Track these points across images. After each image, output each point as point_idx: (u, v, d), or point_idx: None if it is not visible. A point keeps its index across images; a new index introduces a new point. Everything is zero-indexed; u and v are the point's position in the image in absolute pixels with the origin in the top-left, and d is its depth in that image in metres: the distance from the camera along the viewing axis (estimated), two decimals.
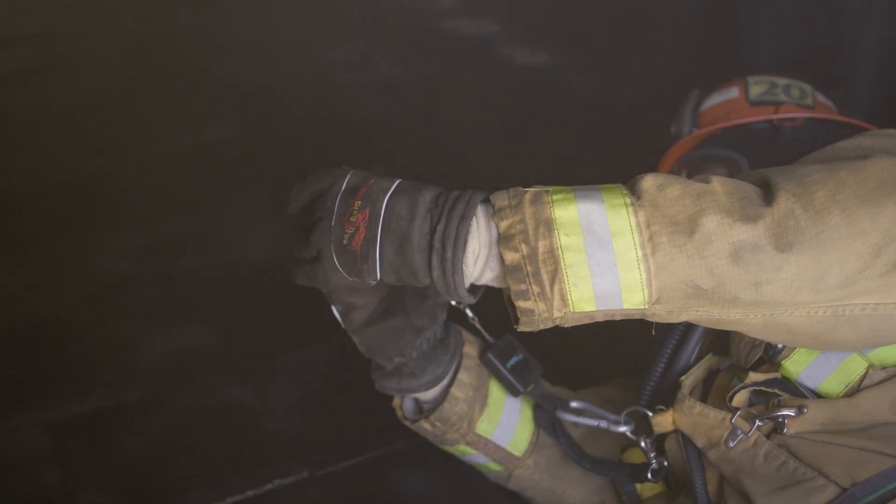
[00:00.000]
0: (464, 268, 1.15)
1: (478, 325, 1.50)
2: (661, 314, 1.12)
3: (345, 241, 1.17)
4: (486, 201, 1.16)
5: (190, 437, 1.96)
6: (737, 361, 1.40)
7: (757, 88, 1.85)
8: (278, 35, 3.87)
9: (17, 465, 1.89)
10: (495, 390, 1.58)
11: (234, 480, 1.85)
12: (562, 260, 1.09)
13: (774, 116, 1.77)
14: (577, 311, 1.12)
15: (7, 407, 2.03)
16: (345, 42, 3.77)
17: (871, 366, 1.26)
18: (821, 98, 1.87)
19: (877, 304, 1.10)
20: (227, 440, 1.95)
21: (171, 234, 2.62)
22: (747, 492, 1.33)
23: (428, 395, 1.54)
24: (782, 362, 1.31)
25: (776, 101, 1.81)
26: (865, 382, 1.26)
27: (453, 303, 1.41)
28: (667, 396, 1.47)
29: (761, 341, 1.33)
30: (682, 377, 1.44)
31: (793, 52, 2.47)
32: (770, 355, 1.32)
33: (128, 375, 2.12)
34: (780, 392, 1.31)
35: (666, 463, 1.50)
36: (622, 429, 1.52)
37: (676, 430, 1.46)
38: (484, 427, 1.57)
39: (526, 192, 1.13)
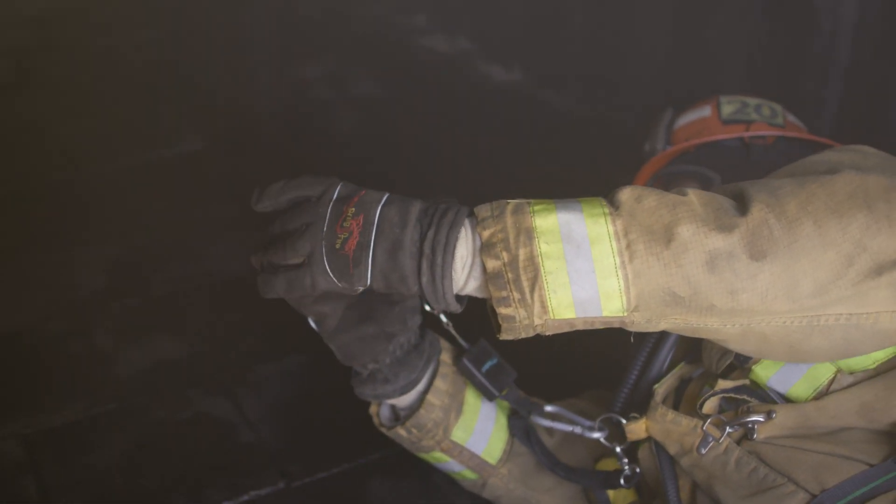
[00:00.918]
0: (452, 273, 1.17)
1: (452, 331, 1.52)
2: (640, 322, 1.14)
3: (338, 246, 1.18)
4: (473, 214, 1.19)
5: (166, 449, 1.96)
6: (708, 368, 1.42)
7: (729, 108, 1.89)
8: (252, 49, 3.88)
9: None
10: (471, 398, 1.60)
11: (210, 492, 1.85)
12: (542, 267, 1.11)
13: (746, 134, 1.81)
14: (557, 317, 1.14)
15: None
16: (319, 57, 3.79)
17: (839, 370, 1.28)
18: (791, 118, 1.92)
19: (850, 314, 1.12)
20: (202, 451, 1.95)
21: (144, 246, 2.63)
22: (719, 498, 1.35)
23: (404, 401, 1.56)
24: (753, 368, 1.33)
25: (747, 119, 1.86)
26: (833, 387, 1.28)
27: (435, 313, 1.42)
28: (640, 405, 1.49)
29: None
30: (656, 385, 1.47)
31: (763, 69, 2.51)
32: (740, 361, 1.35)
33: (103, 387, 2.12)
34: (748, 398, 1.34)
35: (638, 470, 1.52)
36: (596, 435, 1.52)
37: (650, 439, 1.48)
38: (459, 434, 1.59)
39: (508, 203, 1.16)
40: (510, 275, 1.12)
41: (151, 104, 3.41)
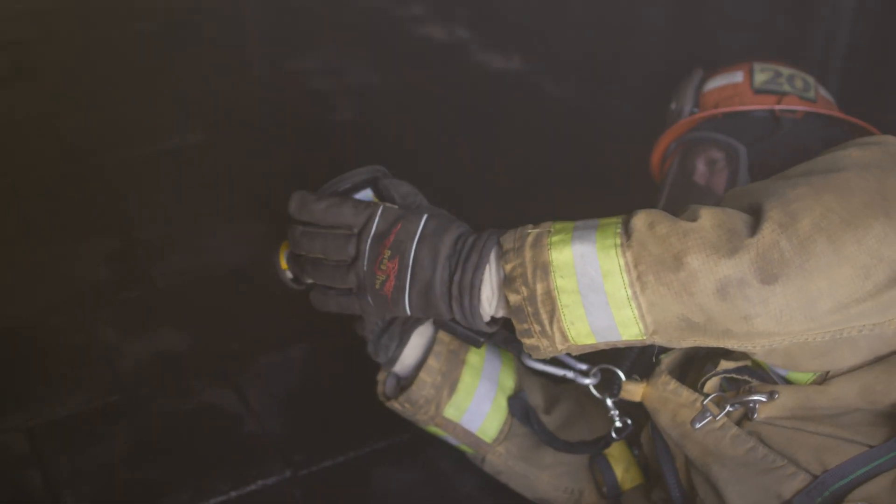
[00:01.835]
0: (480, 311, 1.24)
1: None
2: (662, 342, 1.19)
3: (377, 286, 1.26)
4: (499, 244, 1.24)
5: (171, 440, 1.96)
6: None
7: (762, 76, 1.86)
8: (250, 41, 3.88)
9: None
10: (467, 377, 1.62)
11: (216, 481, 1.85)
12: (558, 301, 1.17)
13: (777, 107, 1.79)
14: (579, 343, 1.20)
15: None
16: (316, 48, 3.78)
17: None
18: (822, 91, 1.88)
19: (873, 324, 1.14)
20: (208, 442, 1.95)
21: (144, 239, 2.62)
22: (716, 480, 1.35)
23: (404, 375, 1.63)
24: None
25: (780, 90, 1.83)
26: (833, 371, 1.29)
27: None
28: (643, 371, 1.49)
29: None
30: (662, 355, 1.47)
31: (762, 55, 2.50)
32: None
33: (106, 379, 2.12)
34: (750, 379, 1.34)
35: (630, 421, 1.52)
36: (587, 381, 1.51)
37: (649, 421, 1.49)
38: (451, 412, 1.62)
39: (529, 233, 1.20)
40: (530, 309, 1.19)
41: (150, 97, 3.41)
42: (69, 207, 2.77)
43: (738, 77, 1.88)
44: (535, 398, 1.70)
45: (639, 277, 1.13)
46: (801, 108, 1.78)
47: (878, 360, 1.28)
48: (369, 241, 1.26)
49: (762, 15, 2.55)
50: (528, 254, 1.18)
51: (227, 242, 2.60)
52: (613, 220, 1.19)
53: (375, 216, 1.27)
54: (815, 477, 1.25)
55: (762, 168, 1.68)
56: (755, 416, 1.32)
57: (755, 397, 1.32)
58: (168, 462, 1.90)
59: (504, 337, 1.54)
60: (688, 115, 1.87)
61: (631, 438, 1.60)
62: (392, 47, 3.77)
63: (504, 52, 3.55)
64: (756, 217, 1.13)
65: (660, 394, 1.42)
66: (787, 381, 1.34)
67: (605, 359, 1.50)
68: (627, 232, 1.16)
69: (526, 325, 1.20)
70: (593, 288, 1.15)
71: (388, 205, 1.29)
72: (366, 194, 1.40)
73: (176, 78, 3.54)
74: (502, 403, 1.65)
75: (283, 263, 1.44)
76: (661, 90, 2.10)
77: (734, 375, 1.37)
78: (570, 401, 1.71)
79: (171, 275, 2.48)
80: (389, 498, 1.85)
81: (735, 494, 1.32)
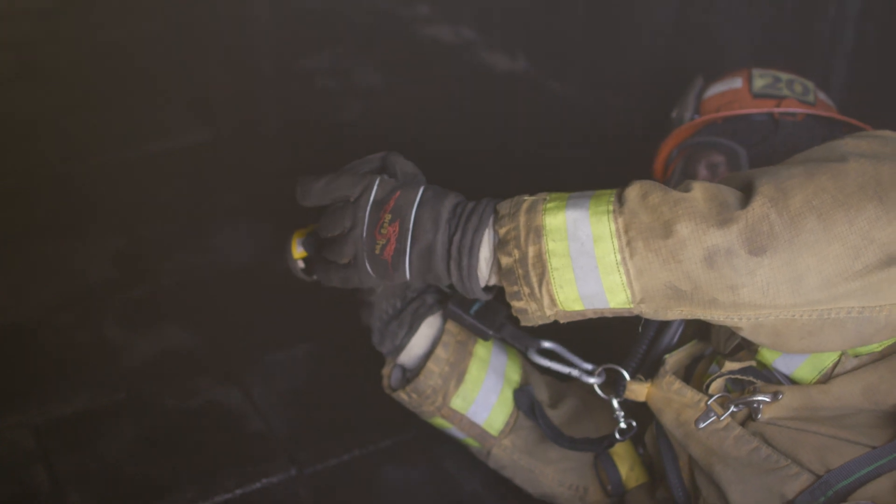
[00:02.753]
0: (478, 273, 1.25)
1: (443, 287, 1.57)
2: (649, 312, 1.19)
3: (377, 251, 1.27)
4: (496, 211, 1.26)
5: (176, 437, 1.97)
6: (716, 348, 1.44)
7: (760, 81, 1.88)
8: (257, 41, 3.88)
9: (4, 467, 1.90)
10: (474, 369, 1.62)
11: (221, 479, 1.86)
12: (549, 263, 1.18)
13: (776, 110, 1.80)
14: (566, 309, 1.21)
15: None
16: (323, 49, 3.79)
17: (843, 353, 1.29)
18: (822, 96, 1.90)
19: (862, 307, 1.14)
20: (213, 439, 1.96)
21: (152, 237, 2.63)
22: (720, 480, 1.35)
23: (410, 366, 1.63)
24: (759, 349, 1.34)
25: (779, 94, 1.85)
26: (838, 370, 1.30)
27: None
28: (647, 371, 1.49)
29: None
30: (667, 355, 1.47)
31: (767, 55, 2.51)
32: (748, 342, 1.35)
33: (112, 377, 2.12)
34: (754, 380, 1.34)
35: (635, 423, 1.52)
36: (592, 380, 1.51)
37: (653, 420, 1.49)
38: (458, 403, 1.61)
39: (525, 200, 1.22)
40: (520, 271, 1.20)
41: (157, 96, 3.42)
42: (76, 206, 2.78)
43: (737, 83, 1.90)
44: (541, 393, 1.70)
45: (629, 243, 1.14)
46: (800, 110, 1.79)
47: (883, 358, 1.28)
48: (368, 207, 1.27)
49: (768, 15, 2.55)
50: (522, 218, 1.20)
51: (234, 241, 2.61)
52: (608, 190, 1.21)
53: (373, 185, 1.29)
54: (819, 477, 1.26)
55: None
56: (759, 416, 1.32)
57: (759, 398, 1.32)
58: (173, 460, 1.91)
59: (511, 332, 1.55)
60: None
61: (635, 437, 1.60)
62: (398, 48, 3.77)
63: (510, 52, 3.55)
64: (747, 193, 1.14)
65: (664, 394, 1.43)
66: (792, 381, 1.34)
67: (610, 359, 1.51)
68: (620, 200, 1.17)
69: (516, 288, 1.21)
70: (583, 252, 1.16)
71: (384, 176, 1.31)
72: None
73: (183, 77, 3.55)
74: (508, 396, 1.66)
75: (295, 253, 1.46)
76: (666, 91, 2.11)
77: (739, 377, 1.37)
78: (576, 398, 1.72)
79: (178, 273, 2.49)
80: (394, 496, 1.85)
81: (738, 494, 1.33)
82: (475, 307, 1.55)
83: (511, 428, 1.66)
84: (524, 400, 1.65)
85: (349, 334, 2.17)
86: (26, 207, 2.78)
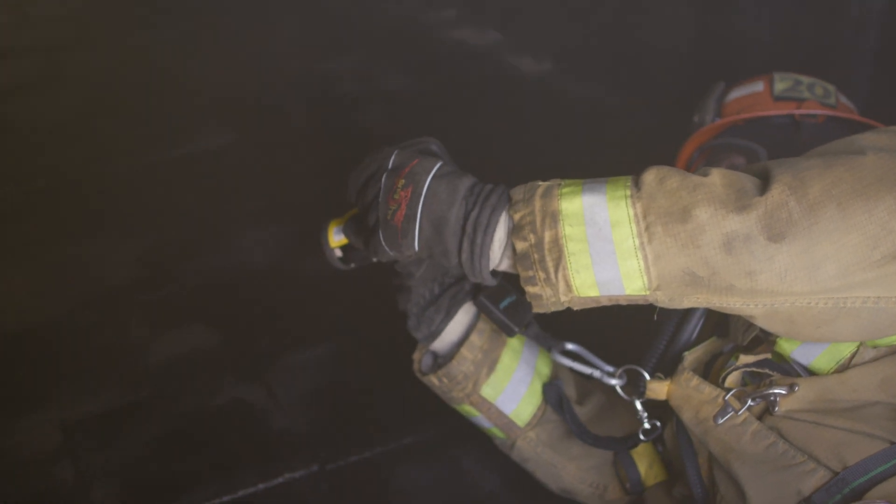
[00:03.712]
0: (490, 253, 1.24)
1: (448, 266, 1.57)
2: (664, 300, 1.18)
3: (389, 217, 1.27)
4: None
5: (200, 434, 1.99)
6: (734, 340, 1.44)
7: (782, 84, 1.89)
8: (280, 44, 3.91)
9: (31, 462, 1.93)
10: (507, 359, 1.63)
11: (244, 475, 1.88)
12: (565, 248, 1.17)
13: (797, 111, 1.81)
14: (581, 295, 1.20)
15: (21, 407, 2.06)
16: (347, 52, 3.81)
17: (861, 344, 1.29)
18: (843, 99, 1.91)
19: (877, 297, 1.13)
20: (236, 436, 1.98)
21: (176, 238, 2.66)
22: (737, 476, 1.34)
23: (443, 352, 1.63)
24: (777, 340, 1.34)
25: (800, 97, 1.86)
26: (856, 360, 1.29)
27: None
28: (667, 369, 1.50)
29: None
30: (686, 352, 1.47)
31: (788, 58, 2.50)
32: (766, 333, 1.36)
33: (137, 376, 2.15)
34: (771, 372, 1.34)
35: (659, 424, 1.53)
36: (613, 381, 1.52)
37: (674, 418, 1.49)
38: (488, 391, 1.62)
39: (539, 186, 1.22)
40: (536, 256, 1.19)
41: (182, 100, 3.45)
42: (102, 208, 2.82)
43: (758, 87, 1.91)
44: (569, 389, 1.70)
45: (647, 228, 1.14)
46: (820, 112, 1.79)
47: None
48: (385, 175, 1.29)
49: (790, 16, 2.55)
50: (537, 203, 1.20)
51: (257, 242, 2.63)
52: (623, 176, 1.21)
53: (391, 155, 1.31)
54: (836, 473, 1.24)
55: None
56: (776, 409, 1.32)
57: (775, 390, 1.31)
58: (197, 455, 1.93)
59: (536, 332, 1.56)
60: None
61: (655, 436, 1.61)
62: (423, 50, 3.79)
63: (535, 54, 3.56)
64: (765, 181, 1.14)
65: (683, 391, 1.43)
66: (810, 372, 1.33)
67: (631, 358, 1.51)
68: (638, 185, 1.17)
69: (531, 273, 1.20)
70: (601, 237, 1.16)
71: (405, 146, 1.33)
72: None
73: (207, 81, 3.59)
74: (537, 389, 1.67)
75: (332, 242, 1.47)
76: (688, 93, 2.11)
77: (755, 369, 1.37)
78: (602, 395, 1.72)
79: (201, 274, 2.51)
80: (414, 494, 1.86)
81: (755, 490, 1.32)
82: (505, 302, 1.55)
83: (538, 421, 1.67)
84: (553, 394, 1.66)
85: (370, 334, 2.19)
86: (51, 210, 2.82)
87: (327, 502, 1.85)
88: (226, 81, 3.58)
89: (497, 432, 1.69)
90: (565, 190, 1.20)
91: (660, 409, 1.55)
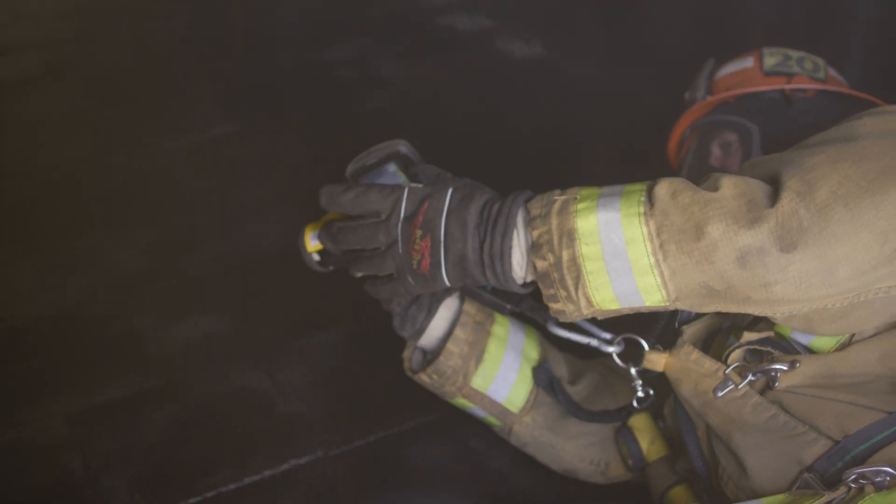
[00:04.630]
0: (512, 275, 1.28)
1: (486, 286, 1.58)
2: (685, 308, 1.22)
3: (414, 266, 1.31)
4: (525, 209, 1.28)
5: (207, 422, 2.01)
6: (734, 321, 1.45)
7: (771, 59, 1.90)
8: (279, 34, 3.92)
9: (40, 453, 1.94)
10: (493, 348, 1.65)
11: (251, 461, 1.90)
12: (583, 267, 1.21)
13: (787, 86, 1.82)
14: (603, 308, 1.24)
15: (29, 398, 2.08)
16: (343, 39, 3.81)
17: None
18: (832, 72, 1.92)
19: (889, 286, 1.16)
20: (243, 423, 2.00)
21: (182, 228, 2.67)
22: (738, 448, 1.36)
23: (430, 348, 1.66)
24: None
25: (789, 72, 1.87)
26: (856, 338, 1.30)
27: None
28: (666, 342, 1.51)
29: None
30: (685, 326, 1.49)
31: (786, 32, 2.51)
32: None
33: (145, 365, 2.17)
34: (772, 350, 1.36)
35: (652, 392, 1.56)
36: (611, 349, 1.54)
37: (671, 394, 1.51)
38: (478, 382, 1.64)
39: (556, 200, 1.24)
40: (556, 275, 1.23)
41: (183, 91, 3.46)
42: (108, 199, 2.83)
43: (748, 62, 1.92)
44: (560, 370, 1.73)
45: (661, 246, 1.16)
46: (810, 86, 1.81)
47: None
48: (399, 224, 1.31)
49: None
50: (554, 221, 1.22)
51: (261, 230, 2.64)
52: (638, 187, 1.22)
53: (402, 199, 1.31)
54: (837, 442, 1.26)
55: (776, 148, 1.69)
56: (776, 385, 1.33)
57: (777, 366, 1.33)
58: (204, 443, 1.95)
59: (530, 305, 1.58)
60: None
61: (655, 412, 1.63)
62: (416, 37, 3.79)
63: (526, 39, 3.56)
64: (775, 187, 1.16)
65: (682, 364, 1.44)
66: (811, 351, 1.35)
67: (629, 328, 1.53)
68: (651, 200, 1.19)
69: (552, 291, 1.24)
70: (617, 255, 1.18)
71: (412, 185, 1.33)
72: (391, 167, 1.44)
73: (208, 71, 3.59)
74: (527, 373, 1.69)
75: (309, 247, 1.48)
76: (684, 74, 2.12)
77: (757, 347, 1.38)
78: (595, 374, 1.74)
79: (207, 263, 2.53)
80: (420, 476, 1.88)
81: (756, 461, 1.34)
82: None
83: (531, 405, 1.69)
84: (543, 376, 1.68)
85: (374, 320, 2.20)
86: (59, 202, 2.83)
87: (333, 488, 1.87)
88: (226, 72, 3.59)
89: (493, 420, 1.71)
90: (581, 206, 1.22)
91: (657, 387, 1.57)
